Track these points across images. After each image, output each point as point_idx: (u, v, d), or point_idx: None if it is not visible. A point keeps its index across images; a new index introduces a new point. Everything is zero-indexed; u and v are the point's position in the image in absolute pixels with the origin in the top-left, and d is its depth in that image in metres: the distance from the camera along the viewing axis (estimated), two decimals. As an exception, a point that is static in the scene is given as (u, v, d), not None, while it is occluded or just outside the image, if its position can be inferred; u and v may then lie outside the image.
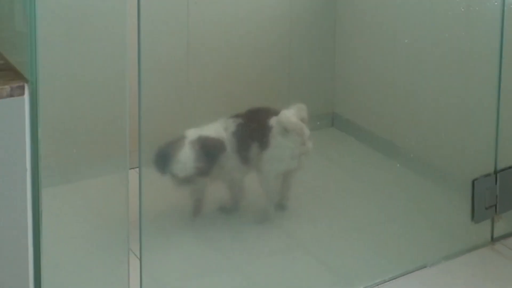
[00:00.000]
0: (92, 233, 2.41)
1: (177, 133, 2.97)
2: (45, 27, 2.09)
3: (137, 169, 2.32)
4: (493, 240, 2.90)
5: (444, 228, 2.92)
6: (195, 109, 3.19)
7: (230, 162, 2.91)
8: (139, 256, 2.37)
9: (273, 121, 2.88)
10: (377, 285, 2.64)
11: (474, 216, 2.89)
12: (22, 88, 2.05)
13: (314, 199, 3.12)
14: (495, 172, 2.92)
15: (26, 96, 2.05)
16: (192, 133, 2.88)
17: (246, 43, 3.43)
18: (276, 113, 2.93)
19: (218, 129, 2.91)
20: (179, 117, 3.17)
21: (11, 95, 2.03)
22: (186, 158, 2.81)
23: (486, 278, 2.68)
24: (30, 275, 2.09)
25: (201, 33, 3.28)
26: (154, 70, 3.02)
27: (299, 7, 3.58)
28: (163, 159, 2.81)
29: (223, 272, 2.68)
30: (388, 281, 2.66)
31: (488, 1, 2.93)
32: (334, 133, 3.65)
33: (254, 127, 2.92)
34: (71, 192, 2.51)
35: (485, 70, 2.96)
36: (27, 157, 2.05)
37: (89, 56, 2.40)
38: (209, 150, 2.86)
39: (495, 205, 2.91)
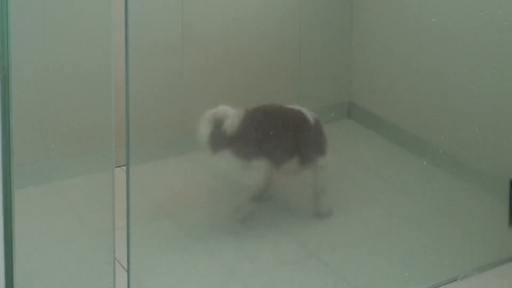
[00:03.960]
0: (72, 241, 2.42)
1: (170, 125, 2.97)
2: (19, 4, 2.08)
3: (124, 167, 2.32)
4: (534, 248, 2.90)
5: (478, 235, 2.92)
6: (191, 98, 3.18)
7: None
8: (126, 267, 2.36)
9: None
10: (400, 300, 2.65)
11: (512, 221, 2.90)
12: (-9, 73, 2.05)
13: (328, 202, 3.12)
14: (536, 171, 2.92)
15: (-4, 83, 2.05)
16: None
17: (250, 23, 3.42)
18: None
19: None
20: (172, 108, 3.17)
21: (-21, 82, 2.02)
22: None
23: (525, 292, 2.68)
24: (1, 287, 2.09)
25: (198, 13, 3.28)
26: (144, 55, 3.03)
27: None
28: None
29: (224, 285, 2.67)
30: (413, 295, 2.66)
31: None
32: (351, 125, 3.65)
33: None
34: (47, 193, 2.52)
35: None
36: (-3, 154, 2.05)
37: (68, 39, 2.40)
38: None
39: (536, 209, 2.91)
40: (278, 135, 2.96)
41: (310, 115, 3.03)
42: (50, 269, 2.34)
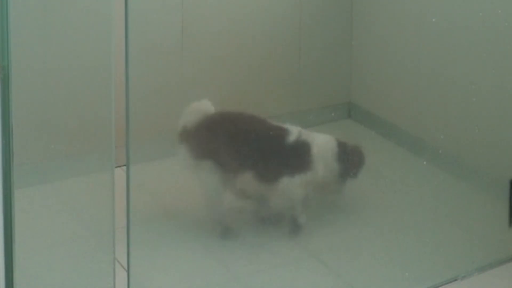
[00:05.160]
0: (72, 241, 2.41)
1: (170, 124, 2.96)
2: (19, 3, 2.08)
3: (124, 167, 2.31)
4: (534, 249, 2.90)
5: (478, 235, 2.91)
6: (191, 98, 3.18)
7: None
8: (126, 267, 2.36)
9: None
10: (400, 300, 2.64)
11: (512, 221, 2.89)
12: (-8, 73, 2.04)
13: (327, 202, 3.11)
14: (536, 171, 2.92)
15: (-4, 83, 2.04)
16: None
17: (250, 23, 3.42)
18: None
19: None
20: (172, 107, 3.17)
21: (-21, 82, 2.02)
22: None
23: (525, 292, 2.68)
24: (1, 287, 2.08)
25: (198, 11, 3.27)
26: (144, 54, 3.02)
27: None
28: None
29: (223, 285, 2.67)
30: (413, 295, 2.66)
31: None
32: (351, 125, 3.64)
33: None
34: (48, 193, 2.52)
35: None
36: (-3, 153, 2.04)
37: (69, 38, 2.40)
38: None
39: (536, 209, 2.90)
40: (231, 143, 2.87)
41: (296, 135, 2.90)
42: (50, 269, 2.34)
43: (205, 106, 2.89)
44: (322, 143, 2.94)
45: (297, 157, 2.91)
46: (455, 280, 2.72)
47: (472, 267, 2.76)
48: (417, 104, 3.42)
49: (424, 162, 3.30)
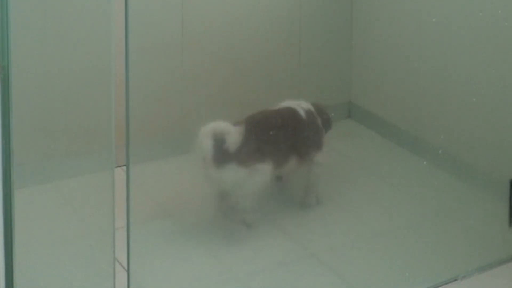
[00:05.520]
0: (72, 241, 2.41)
1: (170, 124, 2.97)
2: (19, 3, 2.08)
3: (124, 167, 2.31)
4: (534, 248, 2.90)
5: (478, 235, 2.91)
6: (191, 97, 3.18)
7: None
8: (126, 267, 2.36)
9: None
10: (400, 300, 2.64)
11: (512, 221, 2.89)
12: (-8, 73, 2.04)
13: (328, 202, 3.11)
14: (536, 171, 2.92)
15: (-4, 83, 2.04)
16: None
17: (250, 23, 3.42)
18: None
19: None
20: (172, 107, 3.17)
21: (-22, 82, 2.02)
22: None
23: (525, 292, 2.68)
24: (1, 287, 2.08)
25: (198, 11, 3.27)
26: (144, 54, 3.02)
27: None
28: None
29: (223, 285, 2.67)
30: (413, 295, 2.66)
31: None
32: (351, 125, 3.64)
33: None
34: (48, 193, 2.52)
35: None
36: (-3, 153, 2.04)
37: (69, 38, 2.40)
38: None
39: (536, 209, 2.90)
40: (274, 139, 2.95)
41: (301, 109, 3.04)
42: (50, 269, 2.34)
43: (226, 126, 2.90)
44: (309, 106, 3.09)
45: (314, 124, 3.07)
46: (455, 280, 2.72)
47: (472, 267, 2.76)
48: (417, 104, 3.42)
49: (424, 162, 3.30)
